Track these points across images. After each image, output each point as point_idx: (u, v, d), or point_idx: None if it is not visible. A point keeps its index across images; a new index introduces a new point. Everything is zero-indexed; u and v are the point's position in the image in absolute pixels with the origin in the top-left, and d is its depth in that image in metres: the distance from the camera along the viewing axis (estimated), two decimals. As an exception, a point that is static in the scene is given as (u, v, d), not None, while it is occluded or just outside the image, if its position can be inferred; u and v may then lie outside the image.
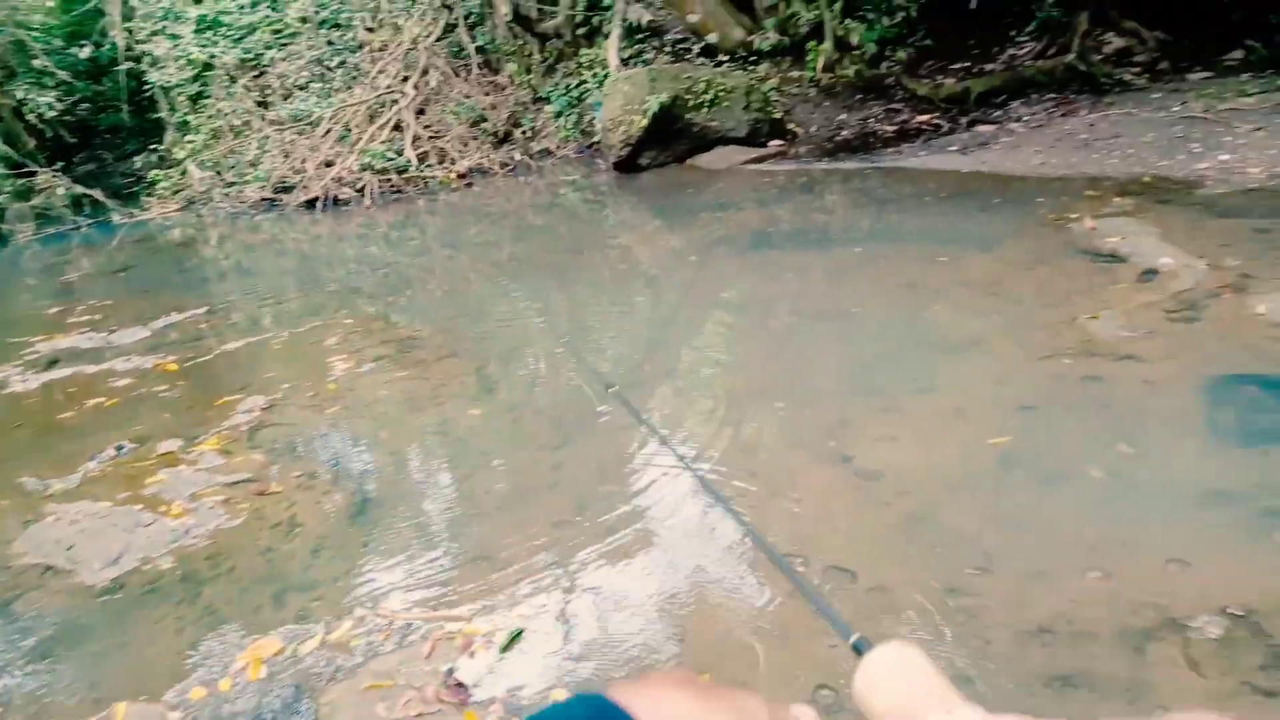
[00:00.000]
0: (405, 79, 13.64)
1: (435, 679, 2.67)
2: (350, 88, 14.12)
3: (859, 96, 11.71)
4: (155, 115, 16.34)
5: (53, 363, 6.26)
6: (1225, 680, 2.27)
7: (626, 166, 11.23)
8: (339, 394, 5.06)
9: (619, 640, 2.75)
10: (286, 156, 13.09)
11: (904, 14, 11.76)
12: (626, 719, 0.64)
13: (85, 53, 16.78)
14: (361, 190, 12.04)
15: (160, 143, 16.06)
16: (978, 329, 4.73)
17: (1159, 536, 2.85)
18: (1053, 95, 10.05)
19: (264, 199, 12.67)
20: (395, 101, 13.27)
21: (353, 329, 6.27)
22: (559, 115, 13.45)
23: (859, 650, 0.95)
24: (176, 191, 13.84)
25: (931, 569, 2.86)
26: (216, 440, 4.54)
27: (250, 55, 14.97)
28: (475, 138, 13.28)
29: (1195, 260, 5.10)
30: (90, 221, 13.43)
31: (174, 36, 15.20)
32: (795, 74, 12.43)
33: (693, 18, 12.88)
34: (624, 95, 10.97)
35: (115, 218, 13.27)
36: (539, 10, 14.15)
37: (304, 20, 14.97)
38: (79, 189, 14.02)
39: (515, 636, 2.81)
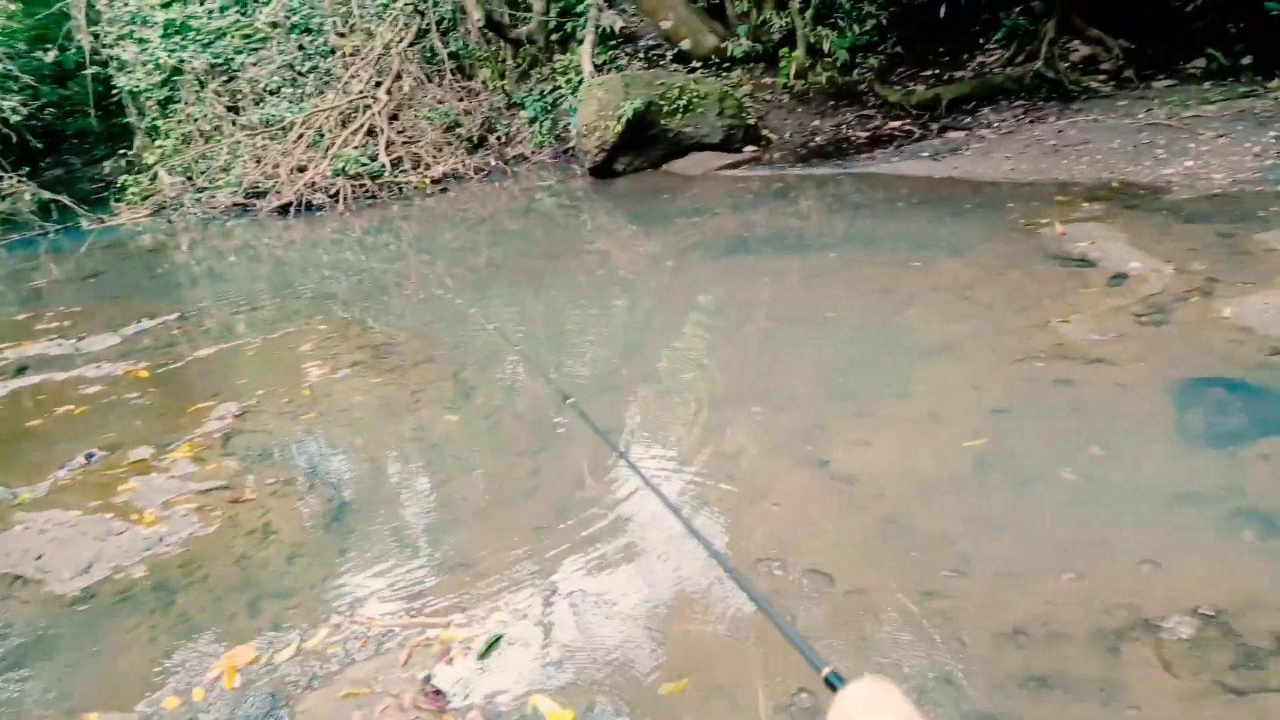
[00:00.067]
0: (378, 84, 13.59)
1: (413, 686, 2.66)
2: (322, 93, 14.04)
3: (832, 103, 11.80)
4: (124, 120, 16.14)
5: (21, 370, 6.16)
6: (1197, 680, 2.30)
7: (602, 172, 11.24)
8: (314, 400, 5.03)
9: (598, 645, 2.75)
10: (259, 162, 12.98)
11: (875, 22, 11.88)
12: None
13: (50, 57, 16.53)
14: (335, 195, 11.96)
15: (129, 148, 15.86)
16: (951, 333, 4.77)
17: (1131, 538, 2.89)
18: (1022, 102, 10.18)
19: (236, 204, 12.55)
20: (368, 106, 13.21)
21: (327, 335, 6.23)
22: (533, 121, 13.44)
23: (832, 685, 0.92)
24: (146, 197, 13.66)
25: (908, 572, 2.89)
26: (189, 447, 4.49)
27: (220, 60, 14.84)
28: (449, 143, 13.24)
29: (1163, 265, 5.19)
30: (58, 227, 13.22)
31: (141, 41, 15.03)
32: (768, 80, 12.51)
33: (665, 24, 12.93)
34: (598, 101, 10.99)
35: (84, 223, 13.08)
36: (511, 16, 14.14)
37: (274, 25, 14.86)
38: (46, 194, 13.80)
39: (493, 643, 2.80)
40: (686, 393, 4.65)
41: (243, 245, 10.85)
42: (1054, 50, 10.18)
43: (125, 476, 4.23)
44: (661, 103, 10.95)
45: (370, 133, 12.98)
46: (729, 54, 12.60)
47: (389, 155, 12.70)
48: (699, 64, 12.80)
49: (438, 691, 2.63)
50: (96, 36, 15.89)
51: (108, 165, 16.39)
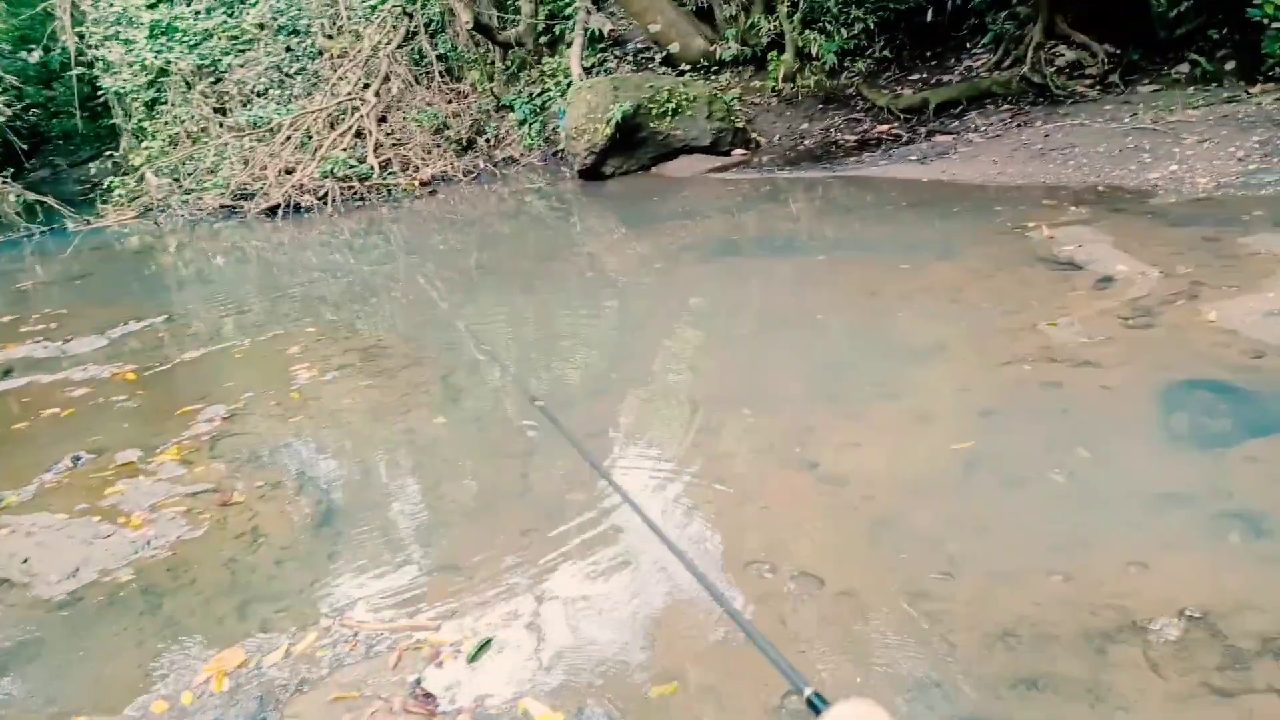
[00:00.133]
0: (366, 86, 13.56)
1: (402, 689, 2.65)
2: (310, 94, 14.01)
3: (820, 106, 11.84)
4: (110, 121, 16.08)
5: (6, 372, 6.11)
6: (1184, 681, 2.32)
7: (591, 174, 11.25)
8: (302, 403, 5.01)
9: (588, 648, 2.75)
10: (246, 163, 12.94)
11: (862, 26, 11.93)
12: None
13: (35, 57, 16.44)
14: (323, 197, 11.92)
15: (116, 149, 15.78)
16: (940, 336, 4.79)
17: (1118, 539, 2.91)
18: (1009, 106, 10.24)
19: (223, 206, 12.50)
20: (356, 109, 13.18)
21: (316, 337, 6.20)
22: (522, 123, 13.44)
23: (815, 707, 0.89)
24: (133, 199, 13.58)
25: (897, 574, 2.90)
26: (177, 450, 4.46)
27: (207, 61, 14.79)
28: (438, 145, 13.23)
29: (1149, 268, 5.23)
30: (44, 229, 13.12)
31: (127, 42, 14.96)
32: (757, 84, 12.54)
33: (654, 27, 12.95)
34: (587, 104, 11.00)
35: (70, 225, 12.98)
36: (500, 19, 14.14)
37: (261, 27, 14.82)
38: (31, 196, 13.69)
39: (483, 646, 2.80)
40: (676, 395, 4.65)
41: (230, 247, 10.81)
42: (1040, 55, 10.26)
43: (113, 479, 4.20)
44: (650, 105, 10.97)
45: (358, 135, 12.96)
46: (717, 57, 12.63)
47: (377, 157, 12.69)
48: (688, 67, 12.82)
49: (428, 695, 2.62)
50: (82, 37, 15.80)
51: (94, 167, 16.28)
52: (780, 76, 12.09)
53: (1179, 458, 3.40)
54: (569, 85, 12.18)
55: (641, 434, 4.25)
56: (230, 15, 15.12)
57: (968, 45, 11.77)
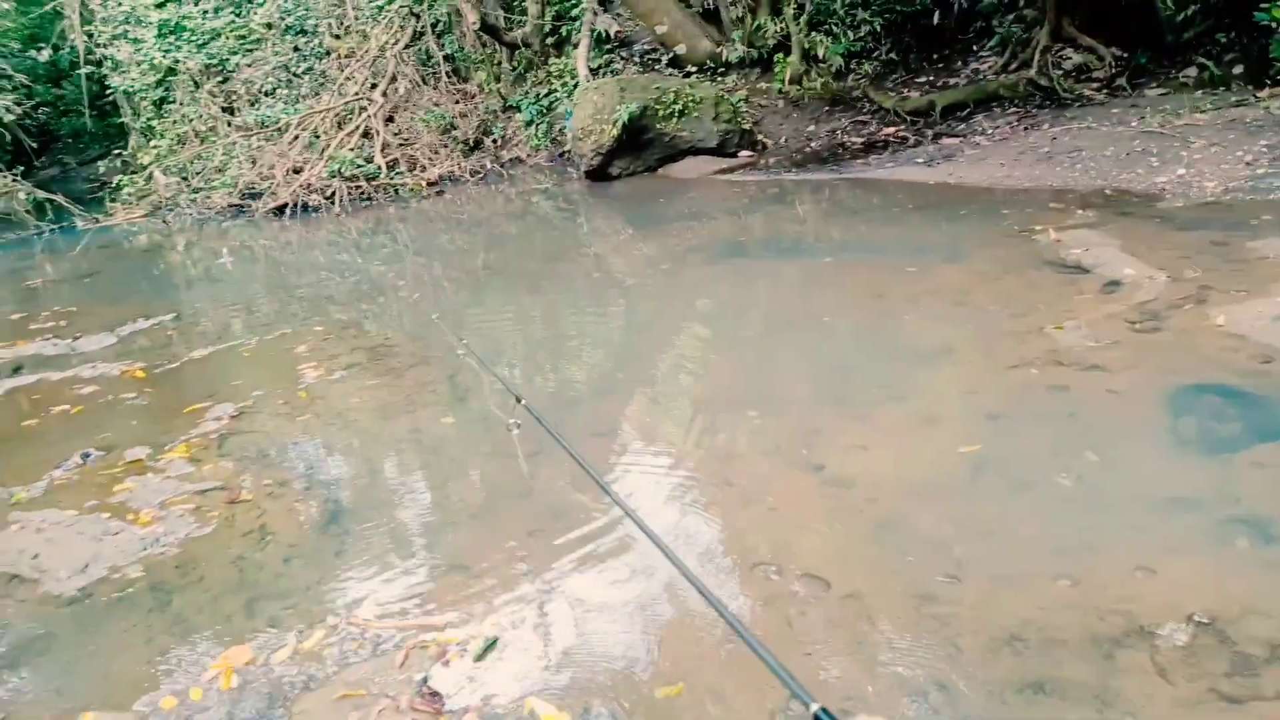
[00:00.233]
0: (373, 86, 13.58)
1: (409, 688, 2.66)
2: (317, 94, 14.04)
3: (826, 108, 11.84)
4: (118, 120, 16.14)
5: (16, 369, 6.14)
6: (1193, 687, 2.31)
7: (598, 175, 11.27)
8: (310, 402, 5.02)
9: (594, 648, 2.75)
10: (254, 163, 12.98)
11: (869, 28, 11.94)
12: None
13: (44, 56, 16.52)
14: (331, 197, 11.96)
15: (124, 148, 15.82)
16: (946, 339, 4.80)
17: (1126, 544, 2.91)
18: (1015, 109, 10.24)
19: (231, 205, 12.54)
20: (363, 108, 13.21)
21: (324, 336, 6.22)
22: (529, 124, 13.46)
23: None
24: (142, 197, 13.63)
25: (903, 576, 2.90)
26: (186, 448, 4.48)
27: (215, 60, 14.83)
28: (445, 145, 13.25)
29: (1156, 272, 5.22)
30: (53, 227, 13.17)
31: (136, 41, 15.01)
32: (763, 86, 12.55)
33: (661, 29, 12.96)
34: (594, 105, 11.02)
35: (79, 223, 13.04)
36: (507, 19, 14.16)
37: (269, 26, 14.86)
38: (41, 194, 13.75)
39: (490, 645, 2.81)
40: (682, 396, 4.66)
41: (239, 246, 10.83)
42: (1047, 58, 10.25)
43: (122, 476, 4.22)
44: (657, 107, 10.99)
45: (366, 135, 12.99)
46: (724, 59, 12.64)
47: (385, 157, 12.72)
48: (694, 69, 12.83)
49: (434, 693, 2.63)
50: (90, 36, 15.86)
51: (103, 165, 16.36)
52: (787, 78, 12.09)
53: (1186, 462, 3.39)
54: (576, 86, 12.20)
55: (647, 434, 4.26)
56: (238, 15, 15.16)
57: (974, 48, 11.77)
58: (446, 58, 14.26)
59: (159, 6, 15.20)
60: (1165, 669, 2.38)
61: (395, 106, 13.56)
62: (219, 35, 14.90)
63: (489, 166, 13.04)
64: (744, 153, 11.28)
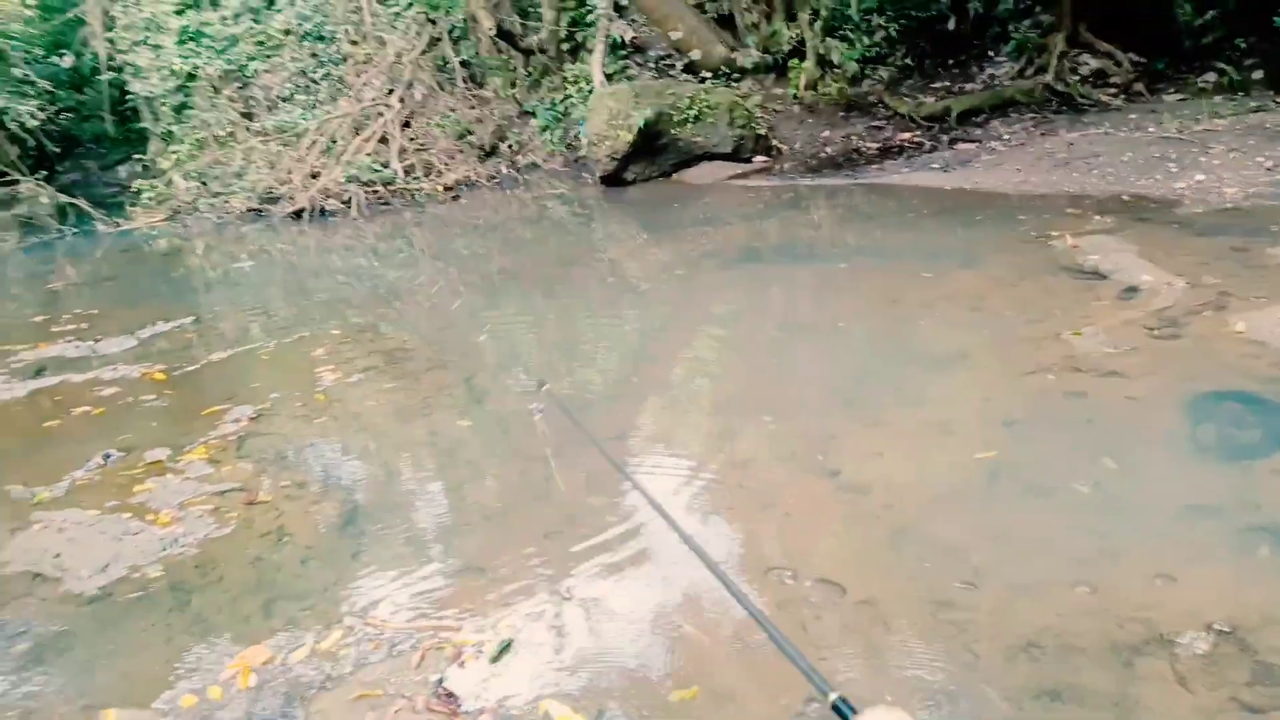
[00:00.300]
0: (390, 92, 13.65)
1: (425, 689, 2.67)
2: (335, 100, 14.11)
3: (842, 114, 11.83)
4: (139, 125, 16.22)
5: (39, 371, 6.20)
6: (1213, 696, 2.30)
7: (613, 181, 11.28)
8: (327, 404, 5.05)
9: (610, 650, 2.76)
10: (272, 167, 13.05)
11: (884, 34, 11.92)
12: None
13: (67, 62, 16.67)
14: (348, 202, 12.02)
15: (144, 153, 15.93)
16: (963, 344, 4.78)
17: (1145, 551, 2.89)
18: (1032, 114, 10.20)
19: (250, 209, 12.62)
20: (381, 114, 13.28)
21: (341, 340, 6.26)
22: (545, 129, 13.49)
23: (841, 713, 0.89)
24: (162, 201, 13.72)
25: (920, 583, 2.90)
26: (205, 449, 4.52)
27: (234, 66, 14.92)
28: (461, 151, 13.28)
29: (1175, 278, 5.19)
30: (75, 231, 13.30)
31: (156, 47, 15.13)
32: (778, 91, 12.55)
33: (675, 35, 12.98)
34: (609, 110, 11.03)
35: (100, 227, 13.15)
36: (522, 26, 14.21)
37: (287, 33, 14.94)
38: (63, 198, 13.87)
39: (505, 647, 2.82)
40: (698, 400, 4.67)
41: (257, 250, 10.91)
42: (1064, 63, 10.22)
43: (142, 477, 4.26)
44: (672, 112, 11.00)
45: (383, 140, 13.04)
46: (738, 65, 12.65)
47: (401, 162, 12.77)
48: (709, 74, 12.83)
49: (450, 694, 2.64)
50: (112, 43, 15.99)
51: (123, 170, 16.48)
52: (802, 84, 12.09)
53: (1206, 470, 3.38)
54: (591, 92, 12.23)
55: (662, 438, 4.27)
56: (256, 21, 15.25)
57: (990, 53, 11.74)
58: (463, 64, 14.30)
59: (179, 13, 15.31)
60: (1185, 677, 2.36)
61: (412, 112, 13.61)
62: (238, 41, 14.99)
63: (505, 172, 13.07)
64: (759, 158, 11.28)
